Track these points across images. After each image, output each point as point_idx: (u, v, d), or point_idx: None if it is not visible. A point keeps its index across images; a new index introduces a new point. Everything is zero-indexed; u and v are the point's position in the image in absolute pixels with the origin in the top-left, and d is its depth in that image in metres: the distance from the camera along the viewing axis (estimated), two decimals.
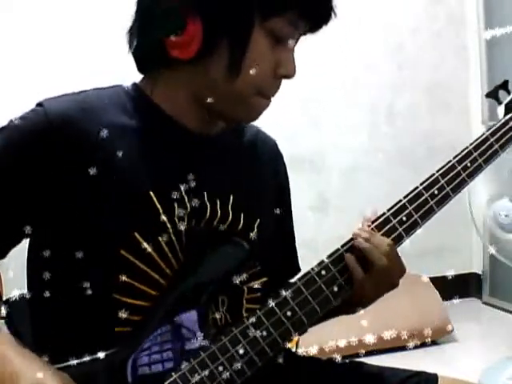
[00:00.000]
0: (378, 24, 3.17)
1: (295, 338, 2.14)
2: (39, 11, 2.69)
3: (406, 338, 2.47)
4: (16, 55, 2.66)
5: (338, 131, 3.14)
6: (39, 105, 0.93)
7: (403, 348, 2.45)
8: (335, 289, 0.94)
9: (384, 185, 3.00)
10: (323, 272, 0.94)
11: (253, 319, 0.90)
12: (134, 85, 1.00)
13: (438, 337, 2.74)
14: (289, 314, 0.92)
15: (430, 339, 2.68)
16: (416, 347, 2.52)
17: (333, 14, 0.95)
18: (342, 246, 0.97)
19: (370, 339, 2.40)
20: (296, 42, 0.97)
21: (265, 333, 0.90)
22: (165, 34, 0.91)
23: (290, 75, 0.96)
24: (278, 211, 1.10)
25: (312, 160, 3.11)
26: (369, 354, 2.38)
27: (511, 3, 3.05)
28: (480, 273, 3.35)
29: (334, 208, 3.14)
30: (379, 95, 3.22)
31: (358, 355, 2.24)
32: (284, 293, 0.92)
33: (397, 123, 3.25)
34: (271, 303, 0.92)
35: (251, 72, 0.92)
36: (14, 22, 2.66)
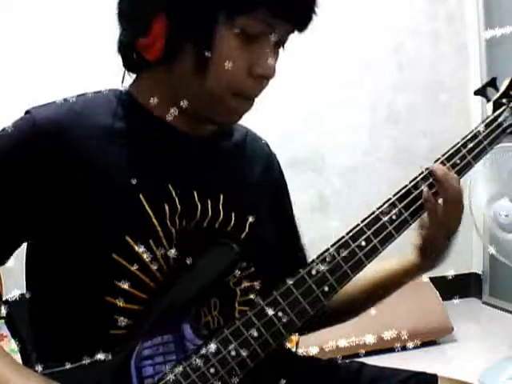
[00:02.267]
0: (378, 24, 3.17)
1: (295, 338, 2.14)
2: (39, 11, 2.69)
3: (406, 338, 2.48)
4: (16, 55, 2.66)
5: (338, 131, 3.14)
6: (27, 112, 0.93)
7: (403, 348, 2.46)
8: (326, 289, 0.94)
9: (384, 185, 3.00)
10: (313, 272, 0.94)
11: (244, 320, 0.90)
12: (125, 88, 1.00)
13: (438, 337, 2.74)
14: (280, 314, 0.91)
15: (429, 339, 2.69)
16: (416, 347, 2.53)
17: (313, 13, 0.92)
18: (332, 246, 0.96)
19: (369, 339, 2.41)
20: (283, 41, 0.94)
21: (256, 333, 0.90)
22: (134, 36, 0.92)
23: (266, 74, 0.93)
24: (274, 208, 1.10)
25: (312, 160, 3.11)
26: (369, 354, 2.39)
27: (511, 3, 3.05)
28: (480, 273, 3.35)
29: (334, 208, 3.14)
30: (379, 95, 3.22)
31: (358, 355, 2.25)
32: (275, 293, 0.92)
33: (397, 123, 3.25)
34: (262, 303, 0.91)
35: (220, 71, 0.90)
36: (14, 22, 2.67)
